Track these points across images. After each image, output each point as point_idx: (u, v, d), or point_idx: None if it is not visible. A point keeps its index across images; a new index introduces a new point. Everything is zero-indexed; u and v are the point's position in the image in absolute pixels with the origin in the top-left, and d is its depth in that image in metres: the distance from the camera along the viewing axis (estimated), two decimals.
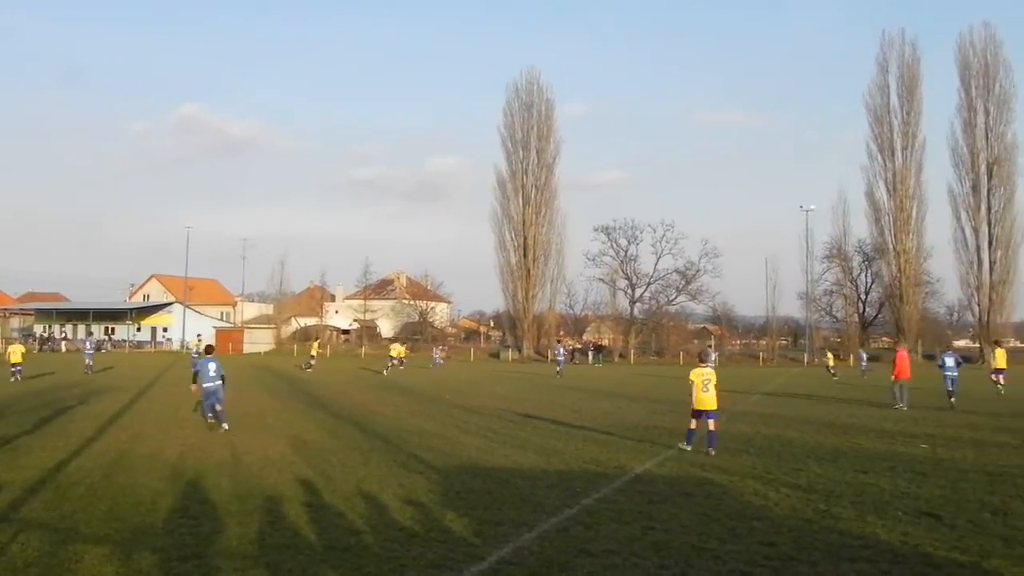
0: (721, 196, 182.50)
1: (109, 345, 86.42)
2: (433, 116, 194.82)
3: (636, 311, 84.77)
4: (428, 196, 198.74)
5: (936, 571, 7.57)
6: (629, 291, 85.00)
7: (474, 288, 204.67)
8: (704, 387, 15.19)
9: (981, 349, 67.80)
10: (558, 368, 47.47)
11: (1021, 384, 37.86)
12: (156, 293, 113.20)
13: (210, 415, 18.14)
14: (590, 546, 8.32)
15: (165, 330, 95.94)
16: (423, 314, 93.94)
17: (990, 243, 71.65)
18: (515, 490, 11.32)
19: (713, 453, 14.73)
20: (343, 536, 8.68)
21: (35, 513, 9.64)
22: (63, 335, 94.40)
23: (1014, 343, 79.00)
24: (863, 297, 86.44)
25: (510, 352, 79.94)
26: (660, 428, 18.94)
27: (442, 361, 57.49)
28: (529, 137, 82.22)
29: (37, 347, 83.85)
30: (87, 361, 43.69)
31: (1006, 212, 71.31)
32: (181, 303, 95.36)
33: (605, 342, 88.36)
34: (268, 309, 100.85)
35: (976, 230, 71.80)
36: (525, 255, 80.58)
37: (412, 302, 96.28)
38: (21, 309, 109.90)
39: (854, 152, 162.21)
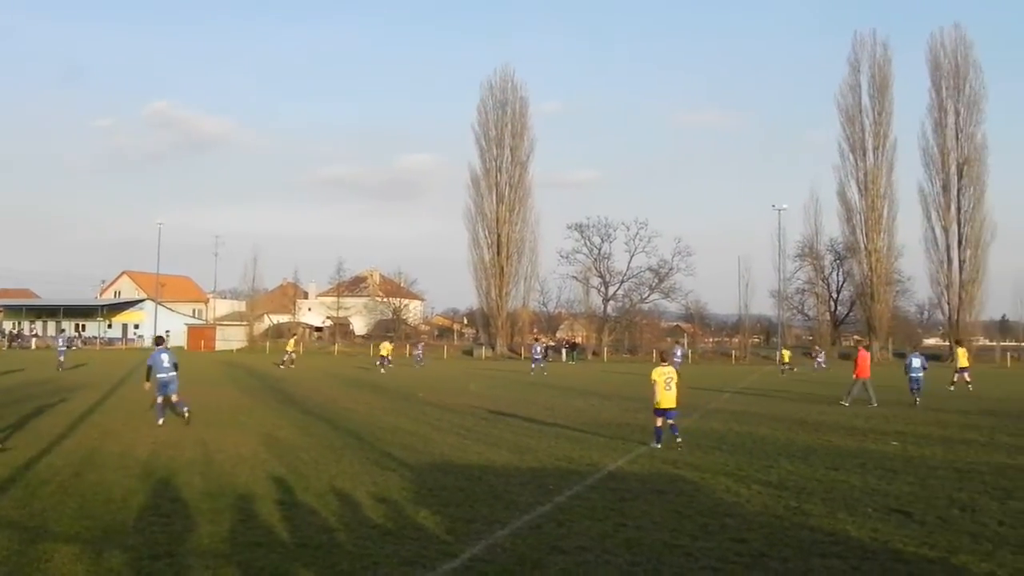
0: (695, 195, 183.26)
1: (79, 342, 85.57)
2: (407, 113, 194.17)
3: (609, 309, 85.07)
4: (401, 193, 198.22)
5: (905, 567, 7.66)
6: (602, 289, 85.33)
7: (447, 285, 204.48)
8: (667, 385, 15.31)
9: (951, 347, 68.47)
10: (533, 365, 47.46)
11: (987, 382, 38.41)
12: (127, 290, 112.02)
13: (161, 419, 18.09)
14: (563, 543, 8.33)
15: (136, 327, 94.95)
16: (396, 311, 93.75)
17: (960, 242, 72.40)
18: (488, 487, 11.33)
19: (680, 440, 15.12)
20: (316, 534, 8.65)
21: (4, 511, 9.52)
22: (33, 332, 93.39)
23: (982, 341, 79.82)
24: (835, 296, 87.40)
25: (483, 350, 79.89)
26: (633, 426, 19.01)
27: (422, 358, 57.41)
28: (503, 135, 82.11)
29: (6, 344, 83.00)
30: (60, 358, 43.39)
31: (975, 212, 72.08)
32: (153, 300, 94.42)
33: (579, 340, 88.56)
34: (241, 306, 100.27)
35: (946, 229, 72.56)
36: (499, 253, 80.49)
37: (385, 299, 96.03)
38: None
39: (826, 152, 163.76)
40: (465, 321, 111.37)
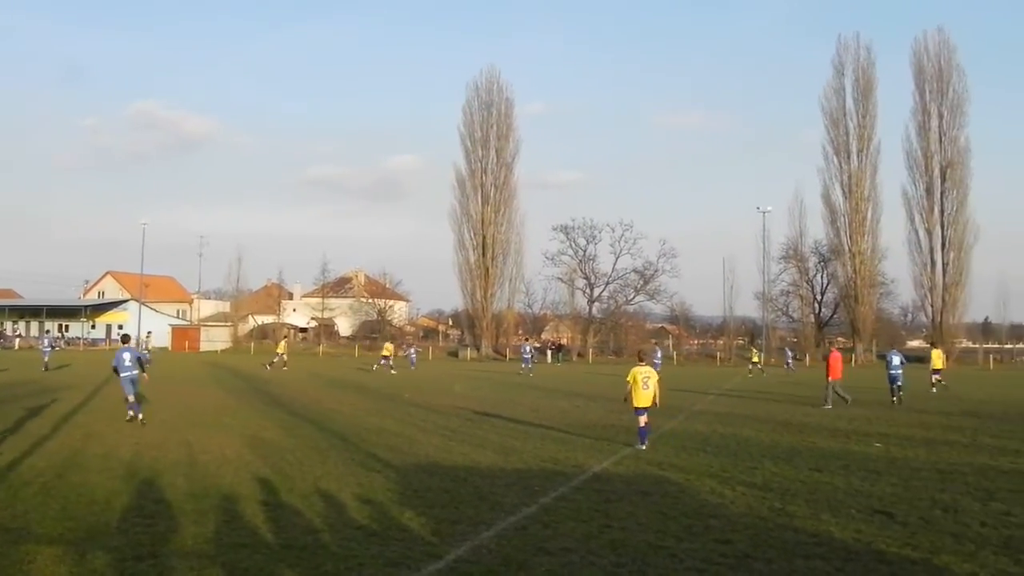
0: (679, 197, 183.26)
1: (63, 343, 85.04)
2: (392, 114, 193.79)
3: (595, 310, 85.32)
4: (386, 194, 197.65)
5: (888, 567, 7.70)
6: (588, 290, 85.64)
7: (433, 286, 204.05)
8: (644, 384, 15.35)
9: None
10: (523, 366, 47.55)
11: (970, 384, 38.68)
12: (111, 290, 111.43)
13: (135, 414, 18.21)
14: (548, 544, 8.34)
15: (120, 327, 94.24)
16: (381, 312, 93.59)
17: (943, 245, 73.02)
18: (473, 488, 11.33)
19: (643, 447, 15.09)
20: (300, 535, 8.63)
21: None
22: (16, 332, 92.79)
23: (965, 343, 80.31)
24: (819, 298, 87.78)
25: (468, 351, 79.92)
26: (618, 427, 19.01)
27: (416, 359, 57.26)
28: (488, 136, 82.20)
29: None
30: (45, 359, 43.27)
31: (959, 215, 72.72)
32: (137, 300, 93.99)
33: (564, 341, 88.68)
34: (225, 307, 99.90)
35: (929, 232, 73.17)
36: (484, 254, 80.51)
37: (370, 300, 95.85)
38: None
39: (811, 154, 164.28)
40: (450, 322, 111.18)
